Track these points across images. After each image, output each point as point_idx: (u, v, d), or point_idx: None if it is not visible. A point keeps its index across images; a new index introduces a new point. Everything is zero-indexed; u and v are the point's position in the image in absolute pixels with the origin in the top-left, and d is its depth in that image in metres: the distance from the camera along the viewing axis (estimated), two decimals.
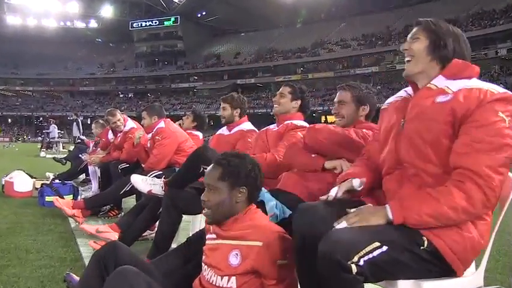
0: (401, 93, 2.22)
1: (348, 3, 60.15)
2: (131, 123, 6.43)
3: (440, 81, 2.01)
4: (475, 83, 1.94)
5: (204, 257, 2.18)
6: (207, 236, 2.21)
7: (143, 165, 5.25)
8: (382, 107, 2.30)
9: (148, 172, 4.78)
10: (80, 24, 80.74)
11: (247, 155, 2.22)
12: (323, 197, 2.07)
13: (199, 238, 2.53)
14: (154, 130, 5.19)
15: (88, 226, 4.36)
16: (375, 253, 1.72)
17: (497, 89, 1.87)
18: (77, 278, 2.47)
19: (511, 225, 5.86)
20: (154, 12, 76.21)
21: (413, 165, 1.96)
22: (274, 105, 3.69)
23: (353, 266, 1.66)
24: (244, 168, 2.11)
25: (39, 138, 36.86)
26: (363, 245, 1.71)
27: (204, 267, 2.15)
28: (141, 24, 77.72)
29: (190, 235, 2.68)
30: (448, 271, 1.87)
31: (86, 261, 3.17)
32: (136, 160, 6.01)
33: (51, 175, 8.12)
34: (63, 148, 22.63)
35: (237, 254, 2.02)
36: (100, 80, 77.71)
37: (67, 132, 33.20)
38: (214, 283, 2.06)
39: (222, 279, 2.04)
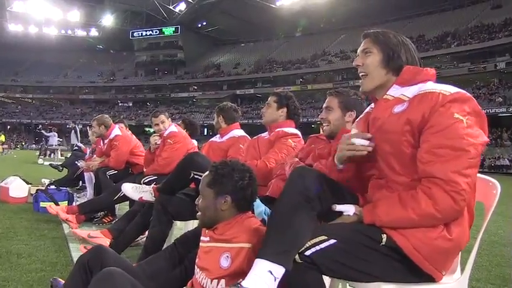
0: (369, 108, 2.22)
1: (348, 15, 60.43)
2: (116, 131, 6.41)
3: (395, 91, 2.01)
4: (429, 86, 1.92)
5: (197, 259, 2.21)
6: (202, 238, 2.25)
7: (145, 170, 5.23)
8: (356, 121, 2.32)
9: (147, 176, 4.81)
10: (80, 33, 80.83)
11: (242, 165, 2.24)
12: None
13: (186, 240, 2.56)
14: (166, 133, 5.15)
15: (80, 231, 4.38)
16: (323, 245, 1.82)
17: (449, 90, 1.86)
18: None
19: (504, 237, 5.93)
20: (155, 22, 76.50)
21: (385, 175, 1.99)
22: (263, 116, 3.74)
23: (296, 256, 1.81)
24: (230, 178, 2.15)
25: (34, 145, 36.81)
26: (310, 238, 1.83)
27: (197, 270, 2.18)
28: (141, 33, 77.93)
29: (178, 237, 2.69)
30: (420, 272, 1.85)
31: None
32: (124, 167, 6.05)
33: (47, 181, 8.11)
34: (61, 156, 22.60)
35: (227, 257, 2.05)
36: (100, 88, 77.71)
37: (65, 140, 33.16)
38: (204, 286, 2.09)
39: (212, 281, 2.07)
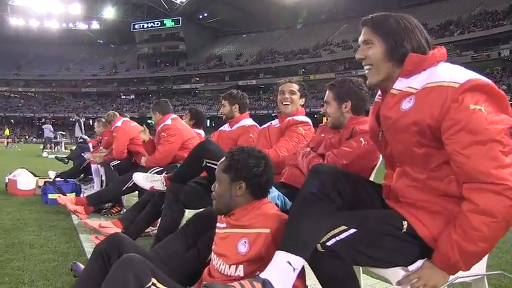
0: (377, 97, 2.10)
1: (350, 4, 60.08)
2: (118, 123, 6.60)
3: (401, 84, 1.87)
4: (438, 75, 1.78)
5: (213, 246, 2.21)
6: (218, 225, 2.25)
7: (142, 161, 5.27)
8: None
9: (149, 168, 4.81)
10: (82, 26, 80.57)
11: (259, 152, 2.25)
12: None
13: (197, 218, 2.57)
14: (160, 127, 5.18)
15: (91, 221, 4.39)
16: (343, 235, 1.82)
17: (457, 80, 1.71)
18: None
19: None
20: (156, 14, 76.16)
21: (402, 167, 1.96)
22: (285, 103, 3.62)
23: (318, 245, 1.83)
24: (246, 164, 2.15)
25: (34, 139, 37.08)
26: (330, 228, 1.83)
27: (213, 256, 2.19)
28: (143, 25, 77.61)
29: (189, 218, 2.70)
30: None
31: (89, 256, 3.19)
32: (126, 157, 6.18)
33: (53, 173, 8.14)
34: (65, 149, 22.66)
35: (245, 242, 2.06)
36: (102, 81, 77.61)
37: (69, 133, 33.23)
38: (222, 272, 2.09)
39: (230, 267, 2.07)
